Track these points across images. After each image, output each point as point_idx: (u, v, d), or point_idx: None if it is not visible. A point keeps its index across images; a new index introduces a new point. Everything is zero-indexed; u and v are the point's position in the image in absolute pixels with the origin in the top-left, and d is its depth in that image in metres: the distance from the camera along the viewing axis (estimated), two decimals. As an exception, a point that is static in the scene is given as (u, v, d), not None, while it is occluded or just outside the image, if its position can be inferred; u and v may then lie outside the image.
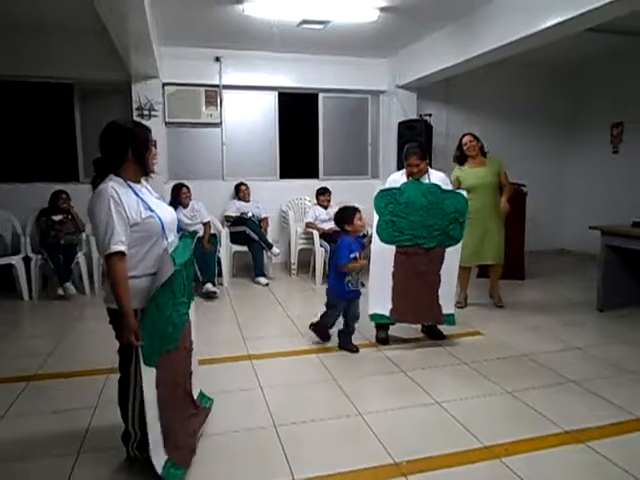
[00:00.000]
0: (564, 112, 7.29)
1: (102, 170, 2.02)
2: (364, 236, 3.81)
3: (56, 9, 4.58)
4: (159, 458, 2.01)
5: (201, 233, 5.34)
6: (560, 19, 3.77)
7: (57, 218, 5.10)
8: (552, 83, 7.23)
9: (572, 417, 2.55)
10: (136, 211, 1.96)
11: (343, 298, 3.49)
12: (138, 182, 2.10)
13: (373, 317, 3.55)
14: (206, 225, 5.49)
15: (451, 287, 3.64)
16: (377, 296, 3.53)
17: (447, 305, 3.63)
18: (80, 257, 5.11)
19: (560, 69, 7.12)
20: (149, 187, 2.19)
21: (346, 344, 3.55)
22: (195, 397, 2.45)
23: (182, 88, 5.97)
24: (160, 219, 2.03)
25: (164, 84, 5.88)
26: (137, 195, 2.01)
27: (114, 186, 1.94)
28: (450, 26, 5.13)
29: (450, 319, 3.64)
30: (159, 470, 1.97)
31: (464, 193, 3.61)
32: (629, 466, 2.13)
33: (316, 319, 3.68)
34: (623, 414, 2.59)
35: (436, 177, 3.65)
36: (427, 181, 3.59)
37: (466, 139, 4.50)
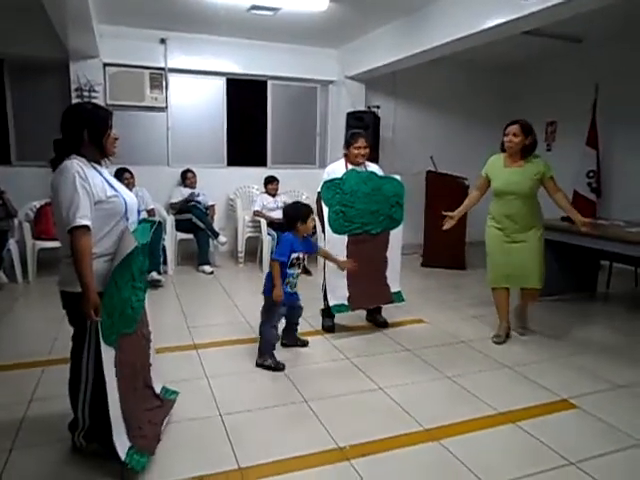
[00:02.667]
0: (503, 109, 7.57)
1: (61, 151, 1.99)
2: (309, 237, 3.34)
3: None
4: (122, 443, 1.96)
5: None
6: (499, 21, 3.95)
7: (-14, 203, 4.78)
8: (492, 81, 7.51)
9: (505, 399, 2.71)
10: (101, 189, 1.95)
11: (282, 302, 3.07)
12: (100, 165, 2.08)
13: (333, 309, 3.60)
14: (150, 212, 5.33)
15: (396, 266, 3.80)
16: (334, 287, 3.59)
17: (394, 284, 3.80)
18: (12, 244, 4.82)
19: (500, 68, 7.41)
20: (108, 172, 2.16)
21: (292, 341, 3.40)
22: (158, 391, 2.40)
23: (125, 69, 5.72)
24: (124, 199, 2.03)
25: (105, 64, 5.61)
26: (101, 175, 2.01)
27: (79, 163, 1.93)
28: (398, 20, 5.21)
29: (398, 296, 3.81)
30: (122, 455, 1.93)
31: (398, 177, 3.73)
32: (554, 443, 2.29)
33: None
34: (550, 395, 2.78)
35: (372, 168, 3.76)
36: (364, 170, 3.69)
37: (509, 129, 3.44)
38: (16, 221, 4.97)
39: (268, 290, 3.06)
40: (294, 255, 3.09)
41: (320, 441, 2.28)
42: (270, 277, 3.06)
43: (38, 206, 5.09)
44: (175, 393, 2.52)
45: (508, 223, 3.51)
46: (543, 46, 6.00)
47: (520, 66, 7.28)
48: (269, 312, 3.09)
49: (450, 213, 3.76)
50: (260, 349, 3.10)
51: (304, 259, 3.25)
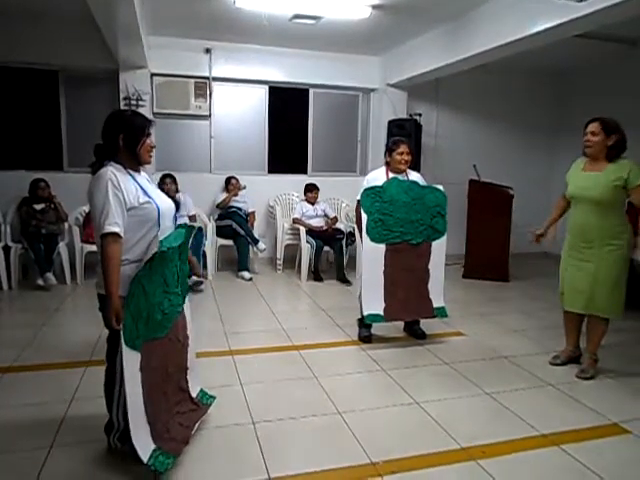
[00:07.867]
0: (552, 116, 7.34)
1: (100, 156, 2.05)
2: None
3: (43, -7, 4.49)
4: (143, 445, 1.96)
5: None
6: (548, 25, 3.79)
7: (39, 207, 5.03)
8: (541, 87, 7.27)
9: (549, 420, 2.57)
10: (134, 196, 1.98)
11: None
12: (137, 171, 2.11)
13: (367, 318, 3.55)
14: (191, 218, 5.44)
15: (439, 280, 3.68)
16: (370, 296, 3.53)
17: (437, 298, 3.68)
18: (62, 247, 5.03)
19: (548, 74, 7.16)
20: (148, 177, 2.20)
21: None
22: (194, 395, 2.42)
23: (171, 79, 5.88)
24: (157, 205, 2.05)
25: (152, 74, 5.79)
26: (135, 181, 2.03)
27: (113, 171, 1.96)
28: (441, 27, 5.12)
29: (442, 311, 3.69)
30: (144, 458, 1.93)
31: (441, 188, 3.63)
32: (601, 470, 2.15)
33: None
34: (599, 418, 2.62)
35: (414, 176, 3.69)
36: (405, 179, 3.62)
37: (589, 128, 3.03)
38: (66, 225, 5.20)
39: None
40: None
41: (353, 455, 2.23)
42: None
43: (87, 210, 5.29)
44: (212, 398, 2.54)
45: (579, 234, 3.10)
46: (596, 49, 5.75)
47: (571, 70, 7.01)
48: None
49: (539, 230, 3.38)
50: None
51: None
